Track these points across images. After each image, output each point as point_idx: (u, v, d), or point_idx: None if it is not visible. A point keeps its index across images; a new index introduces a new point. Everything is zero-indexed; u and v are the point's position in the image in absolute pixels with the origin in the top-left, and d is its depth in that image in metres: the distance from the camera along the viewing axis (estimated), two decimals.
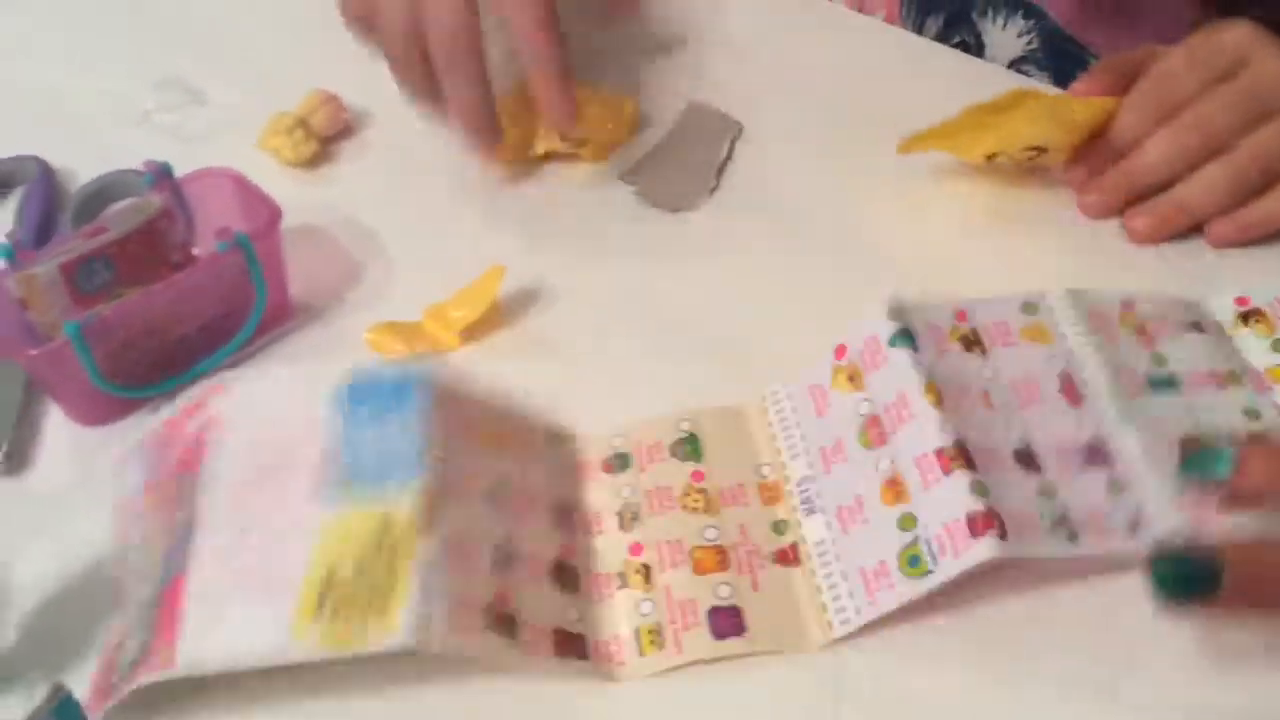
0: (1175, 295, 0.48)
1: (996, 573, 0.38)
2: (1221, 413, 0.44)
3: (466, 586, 0.40)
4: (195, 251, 0.51)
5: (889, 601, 0.39)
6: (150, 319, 0.47)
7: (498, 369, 0.49)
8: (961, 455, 0.40)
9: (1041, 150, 0.52)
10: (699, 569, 0.42)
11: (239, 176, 0.51)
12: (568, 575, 0.43)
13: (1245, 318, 0.48)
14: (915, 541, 0.39)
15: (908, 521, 0.40)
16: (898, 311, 0.44)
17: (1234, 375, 0.45)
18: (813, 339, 0.47)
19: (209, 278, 0.48)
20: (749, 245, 0.54)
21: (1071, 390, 0.43)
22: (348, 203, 0.58)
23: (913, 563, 0.39)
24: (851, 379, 0.44)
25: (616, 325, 0.51)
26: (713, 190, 0.57)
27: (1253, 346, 0.47)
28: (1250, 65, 0.50)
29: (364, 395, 0.44)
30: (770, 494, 0.44)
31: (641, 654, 0.41)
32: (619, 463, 0.46)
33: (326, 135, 0.60)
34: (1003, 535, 0.38)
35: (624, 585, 0.42)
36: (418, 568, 0.39)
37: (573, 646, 0.41)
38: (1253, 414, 0.44)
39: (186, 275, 0.48)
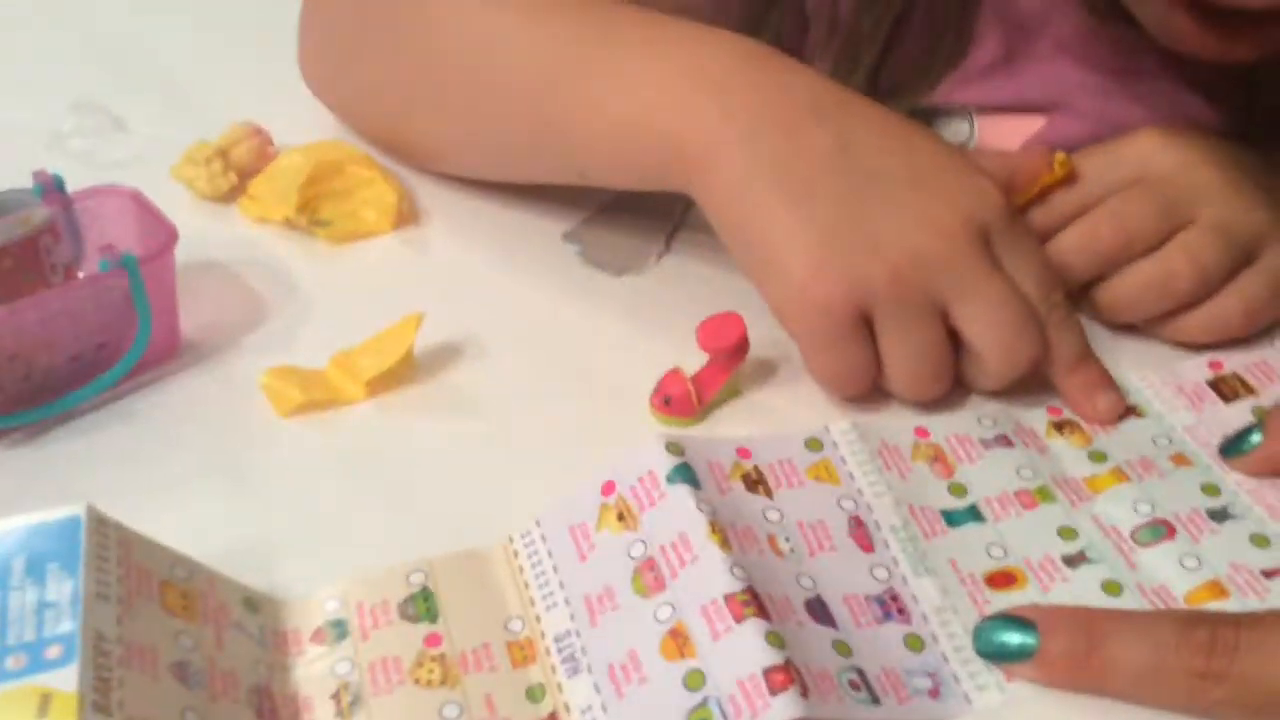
0: (986, 408, 0.46)
1: None
2: (1034, 537, 0.42)
3: None
4: (81, 275, 0.48)
5: None
6: (15, 340, 0.44)
7: (407, 425, 0.47)
8: (754, 602, 0.37)
9: None
10: None
11: (138, 195, 0.49)
12: None
13: (1059, 427, 0.46)
14: (705, 703, 0.35)
15: (695, 680, 0.36)
16: (676, 448, 0.42)
17: (1045, 492, 0.43)
18: None
19: (86, 300, 0.46)
20: (692, 307, 0.51)
21: (862, 535, 0.41)
22: (261, 242, 0.56)
23: None
24: (621, 518, 0.41)
25: (534, 390, 0.49)
26: (661, 255, 0.55)
27: (1068, 456, 0.45)
28: (1157, 172, 0.48)
29: (10, 546, 0.36)
30: (522, 654, 0.39)
31: None
32: (334, 632, 0.39)
33: (247, 170, 0.57)
34: (805, 692, 0.34)
35: None
36: None
37: None
38: (1068, 533, 0.42)
39: (59, 293, 0.46)
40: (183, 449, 0.47)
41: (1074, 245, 0.48)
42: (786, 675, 0.35)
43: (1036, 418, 0.47)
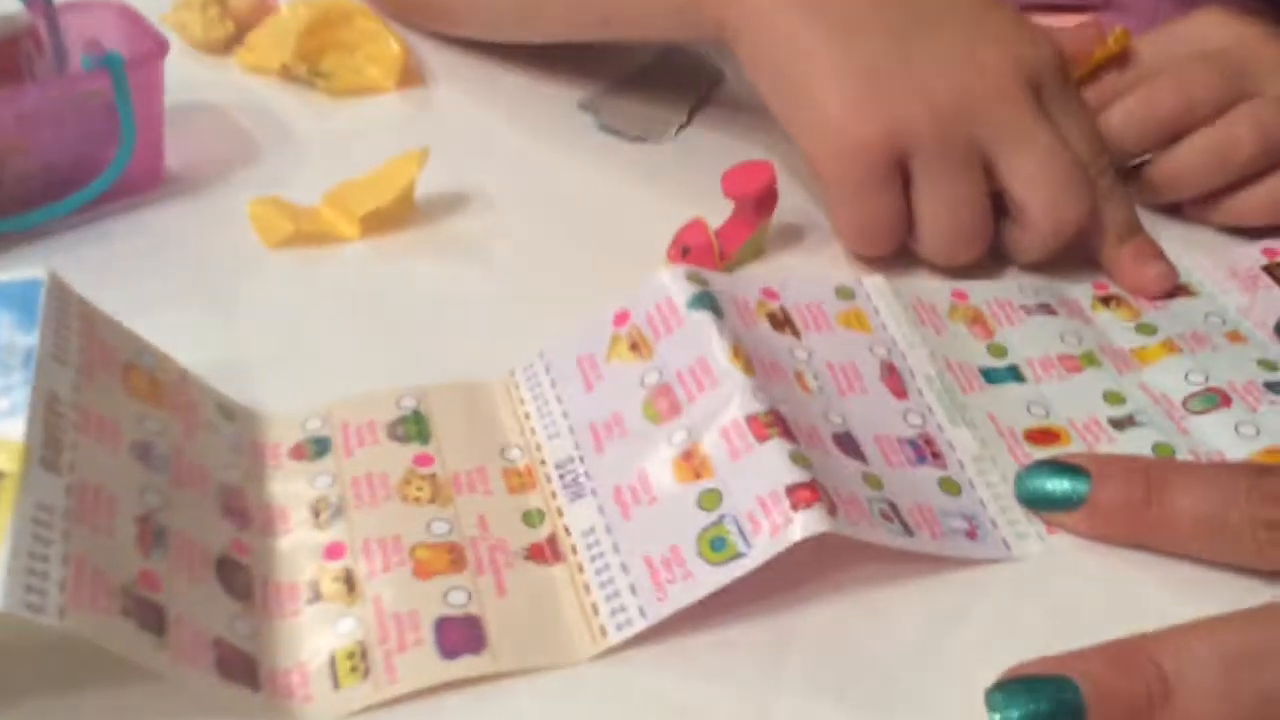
0: (1027, 278, 0.44)
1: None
2: (1078, 399, 0.39)
3: (98, 553, 0.29)
4: None
5: (686, 595, 0.32)
6: None
7: (404, 267, 0.45)
8: (778, 423, 0.34)
9: None
10: (422, 572, 0.33)
11: (126, 8, 0.46)
12: (238, 577, 0.33)
13: (1105, 301, 0.43)
14: (720, 521, 0.33)
15: (710, 499, 0.33)
16: (699, 277, 0.39)
17: (1090, 357, 0.40)
18: None
19: (65, 102, 0.42)
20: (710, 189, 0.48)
21: (895, 382, 0.38)
22: (257, 91, 0.53)
23: (716, 546, 0.32)
24: (635, 348, 0.38)
25: (541, 243, 0.47)
26: (681, 127, 0.52)
27: (1115, 329, 0.42)
28: (1220, 47, 0.46)
29: None
30: (519, 481, 0.36)
31: (337, 687, 0.31)
32: (314, 448, 0.37)
33: (246, 21, 0.55)
34: (832, 510, 0.32)
35: (316, 599, 0.33)
36: (29, 509, 0.28)
37: (241, 669, 0.31)
38: (1115, 398, 0.39)
39: (37, 90, 0.42)
40: (161, 273, 0.44)
41: (1131, 112, 0.46)
42: (813, 492, 0.32)
43: (1081, 292, 0.44)
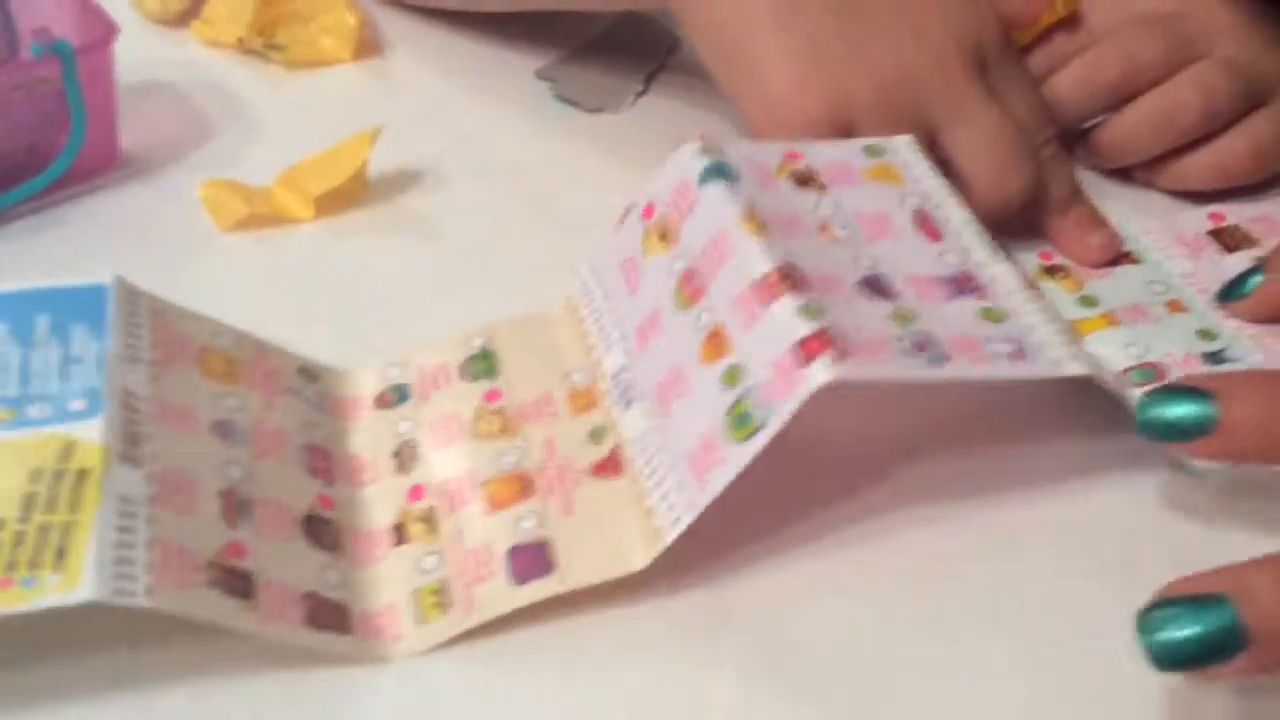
0: None
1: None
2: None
3: (182, 533, 0.32)
4: None
5: (719, 480, 0.33)
6: None
7: (358, 246, 0.46)
8: (786, 280, 0.34)
9: None
10: (495, 504, 0.36)
11: None
12: (325, 531, 0.35)
13: (1051, 271, 0.44)
14: (743, 396, 0.33)
15: (732, 376, 0.34)
16: (711, 149, 0.39)
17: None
18: None
19: (16, 90, 0.43)
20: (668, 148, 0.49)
21: (930, 227, 0.39)
22: (213, 66, 0.53)
23: (741, 422, 0.33)
24: (663, 237, 0.39)
25: (497, 217, 0.47)
26: (639, 95, 0.53)
27: (1058, 299, 0.43)
28: (1170, 9, 0.46)
29: (34, 305, 0.36)
30: (584, 401, 0.38)
31: (422, 621, 0.33)
32: (396, 395, 0.39)
33: None
34: (841, 358, 0.32)
35: (402, 540, 0.35)
36: (112, 503, 0.31)
37: (331, 617, 0.33)
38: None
39: None
40: (116, 259, 0.44)
41: (1077, 77, 0.47)
42: (821, 341, 0.32)
43: (1027, 261, 0.45)
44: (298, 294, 0.44)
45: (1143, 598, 0.30)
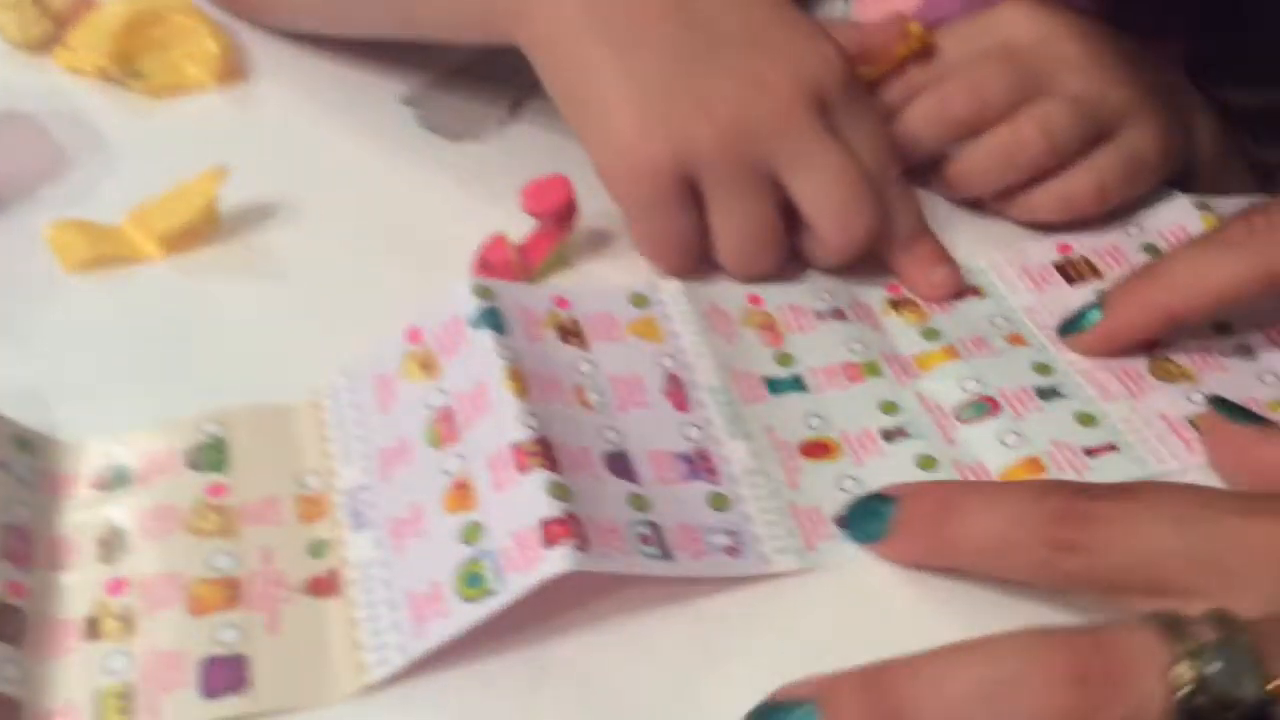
0: (824, 281, 0.46)
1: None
2: (855, 410, 0.41)
3: None
4: None
5: (440, 633, 0.33)
6: None
7: (206, 287, 0.46)
8: (542, 453, 0.36)
9: None
10: (197, 609, 0.35)
11: None
12: (11, 620, 0.34)
13: (896, 305, 0.45)
14: (478, 557, 0.34)
15: (472, 533, 0.35)
16: (484, 291, 0.40)
17: (872, 367, 0.43)
18: None
19: None
20: (530, 177, 0.49)
21: (678, 395, 0.40)
22: (74, 94, 0.53)
23: (472, 582, 0.34)
24: (425, 367, 0.40)
25: (350, 253, 0.48)
26: (504, 122, 0.54)
27: (902, 334, 0.44)
28: (1019, 43, 0.47)
29: None
30: (312, 509, 0.38)
31: None
32: (114, 476, 0.38)
33: (65, 18, 0.55)
34: (583, 546, 0.33)
35: (94, 635, 0.34)
36: None
37: (3, 715, 0.32)
38: (890, 407, 0.41)
39: None
40: None
41: (925, 113, 0.48)
42: (564, 527, 0.34)
43: (874, 295, 0.46)
44: (144, 337, 0.44)
45: None
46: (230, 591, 0.35)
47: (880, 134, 0.45)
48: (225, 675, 0.33)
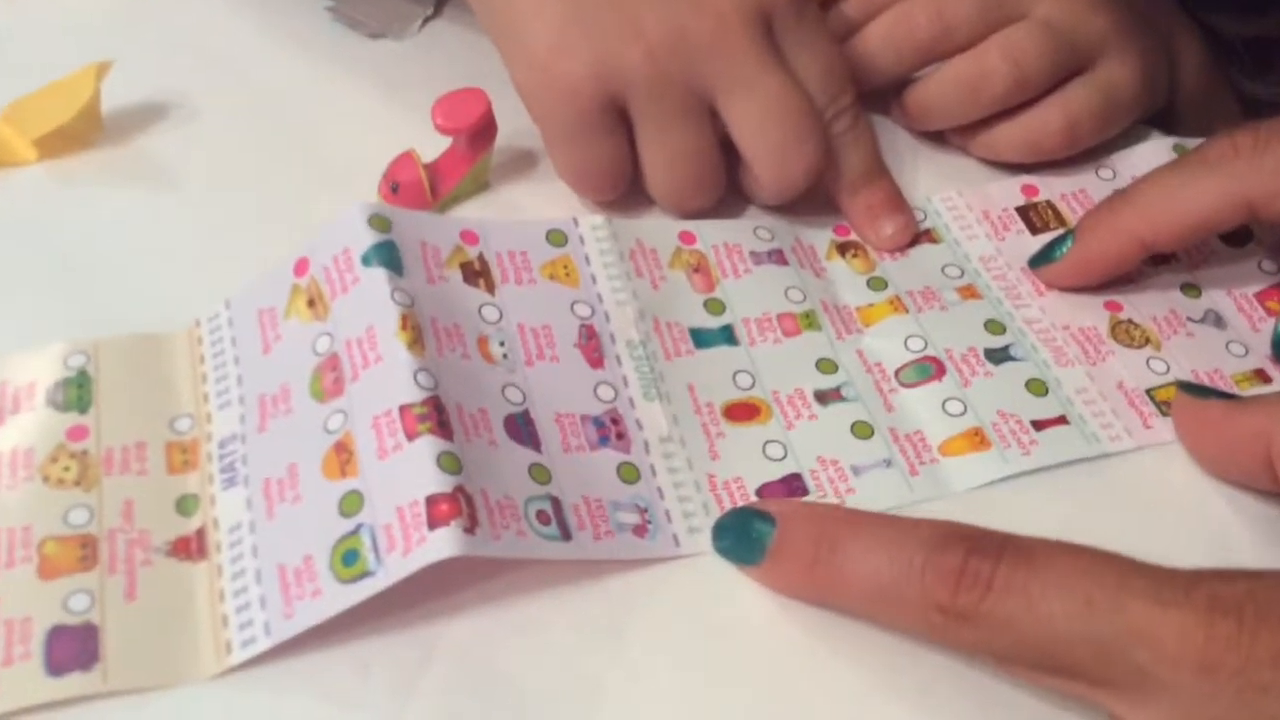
0: (765, 219, 0.42)
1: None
2: (789, 367, 0.38)
3: None
4: None
5: (311, 614, 0.31)
6: None
7: (85, 194, 0.42)
8: (434, 416, 0.32)
9: None
10: (47, 571, 0.32)
11: None
12: None
13: (843, 249, 0.42)
14: (357, 530, 0.31)
15: (351, 503, 0.32)
16: (380, 222, 0.36)
17: (810, 318, 0.39)
18: None
19: None
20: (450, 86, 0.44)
21: (593, 348, 0.37)
22: None
23: (348, 559, 0.31)
24: (312, 304, 0.36)
25: (247, 161, 0.44)
26: (427, 19, 0.49)
27: (846, 281, 0.41)
28: None
29: None
30: (183, 458, 0.34)
31: None
32: None
33: None
34: (470, 527, 0.30)
35: None
36: None
37: None
38: (827, 365, 0.38)
39: None
40: None
41: (883, 34, 0.44)
42: (452, 505, 0.31)
43: (819, 236, 0.43)
44: (14, 249, 0.40)
45: None
46: (84, 551, 0.32)
47: (831, 59, 0.41)
48: (72, 648, 0.31)
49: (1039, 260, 0.42)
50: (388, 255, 0.36)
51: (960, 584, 0.29)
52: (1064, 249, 0.41)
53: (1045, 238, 0.43)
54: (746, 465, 0.36)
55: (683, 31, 0.38)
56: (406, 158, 0.42)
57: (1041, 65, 0.43)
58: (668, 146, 0.40)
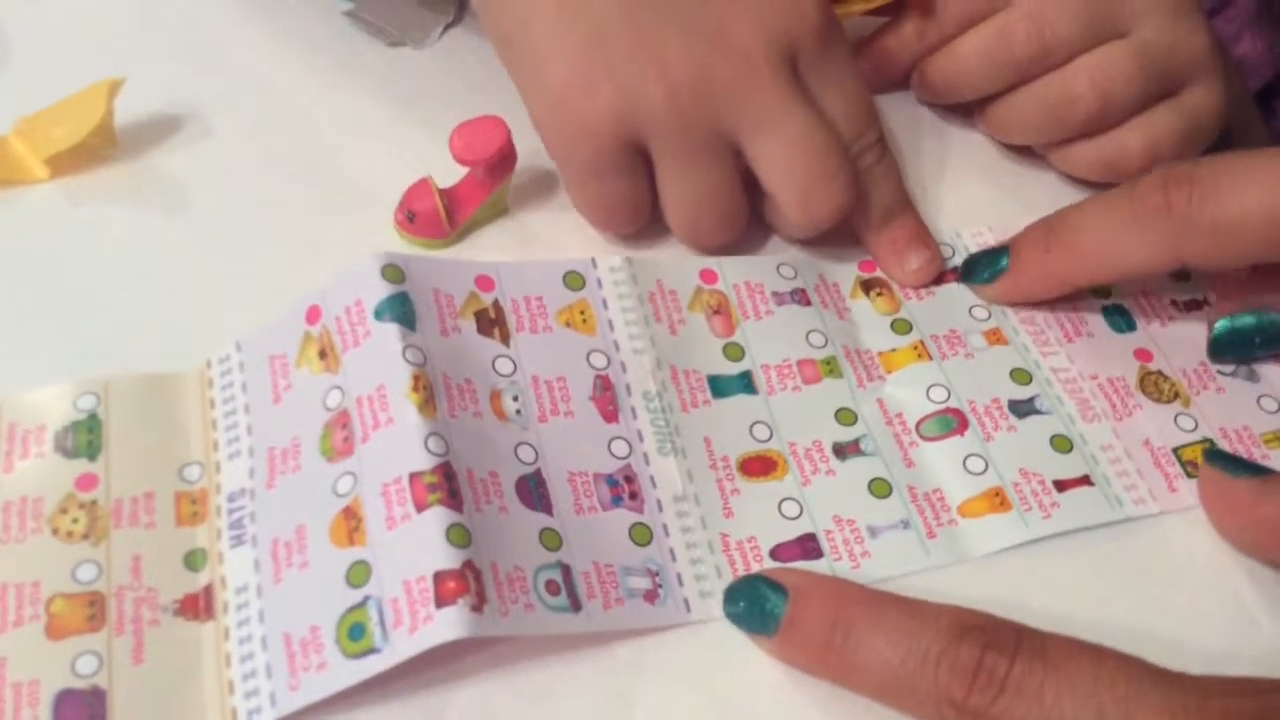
0: (789, 253, 0.42)
1: None
2: (808, 418, 0.38)
3: None
4: None
5: (316, 689, 0.31)
6: None
7: (97, 216, 0.42)
8: (444, 485, 0.32)
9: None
10: (55, 630, 0.32)
11: None
12: None
13: (868, 287, 0.42)
14: (364, 603, 0.32)
15: (359, 574, 0.32)
16: (396, 271, 0.36)
17: (832, 364, 0.39)
18: None
19: None
20: (470, 100, 0.44)
21: (608, 401, 0.37)
22: None
23: (355, 634, 0.31)
24: (323, 355, 0.36)
25: (263, 180, 0.44)
26: (447, 26, 0.49)
27: (870, 323, 0.41)
28: None
29: None
30: (192, 509, 0.35)
31: None
32: None
33: None
34: (478, 605, 0.31)
35: None
36: None
37: None
38: (847, 416, 0.38)
39: None
40: None
41: (979, 49, 0.44)
42: (460, 582, 0.31)
43: (845, 272, 0.43)
44: (21, 275, 0.40)
45: None
46: (92, 610, 0.33)
47: (858, 93, 0.41)
48: (80, 713, 0.31)
49: (970, 275, 0.42)
50: (400, 309, 0.36)
51: (975, 682, 0.29)
52: (997, 269, 0.41)
53: None
54: (761, 524, 0.36)
55: (707, 72, 0.38)
56: (423, 186, 0.42)
57: (1129, 93, 0.43)
58: (689, 186, 0.39)
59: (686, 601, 0.34)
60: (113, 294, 0.40)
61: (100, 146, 0.43)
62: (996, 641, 0.30)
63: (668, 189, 0.40)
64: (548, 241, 0.43)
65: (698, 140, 0.38)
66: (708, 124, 0.38)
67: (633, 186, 0.40)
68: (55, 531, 0.34)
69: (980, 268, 0.42)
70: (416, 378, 0.34)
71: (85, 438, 0.36)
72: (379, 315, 0.36)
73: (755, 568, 0.35)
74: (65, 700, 0.31)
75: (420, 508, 0.32)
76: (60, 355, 0.38)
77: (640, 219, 0.41)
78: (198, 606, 0.33)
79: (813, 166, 0.39)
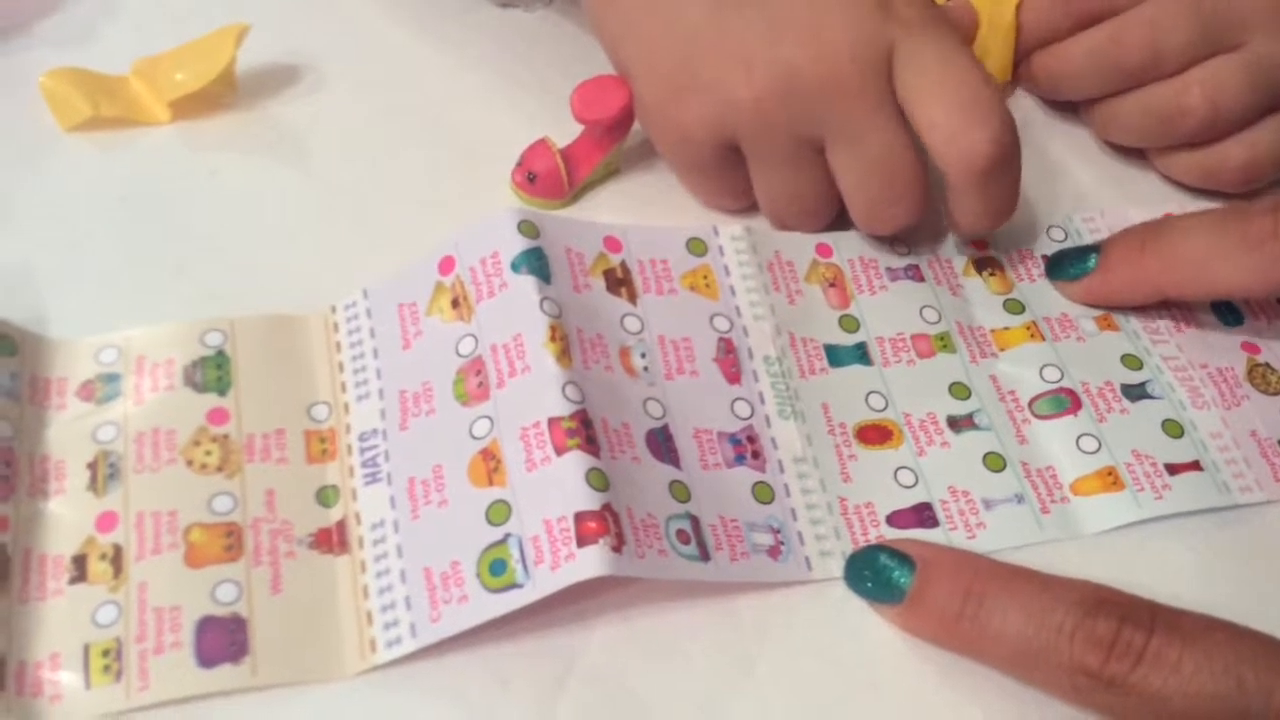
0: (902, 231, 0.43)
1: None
2: (922, 390, 0.40)
3: None
4: None
5: (458, 620, 0.33)
6: None
7: (217, 160, 0.44)
8: (582, 431, 0.34)
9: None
10: (194, 559, 0.34)
11: None
12: None
13: (980, 265, 0.43)
14: (505, 540, 0.33)
15: (499, 512, 0.34)
16: (531, 227, 0.38)
17: (945, 340, 0.41)
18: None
19: None
20: (576, 66, 0.46)
21: (730, 363, 0.39)
22: None
23: (496, 569, 0.33)
24: (456, 304, 0.38)
25: (373, 134, 0.45)
26: None
27: (982, 301, 0.43)
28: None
29: None
30: (322, 447, 0.36)
31: (89, 686, 0.31)
32: (105, 387, 0.36)
33: None
34: (617, 546, 0.32)
35: (80, 578, 0.33)
36: None
37: None
38: (960, 390, 0.40)
39: None
40: None
41: (1090, 51, 0.45)
42: (601, 524, 0.33)
43: (958, 249, 0.44)
44: (145, 215, 0.42)
45: None
46: (230, 540, 0.34)
47: (962, 86, 0.42)
48: (222, 640, 0.33)
49: (1056, 270, 0.43)
50: (537, 262, 0.37)
51: (1112, 652, 0.31)
52: (1086, 267, 0.42)
53: None
54: (878, 491, 0.38)
55: (792, 78, 0.39)
56: (542, 146, 0.43)
57: (1240, 108, 0.44)
58: (775, 186, 0.41)
59: (808, 560, 0.36)
60: (232, 239, 0.41)
61: (220, 93, 0.45)
62: (1132, 615, 0.31)
63: (757, 185, 0.42)
64: (663, 204, 0.44)
65: (781, 143, 0.40)
66: (792, 129, 0.40)
67: (735, 180, 0.42)
68: (190, 463, 0.36)
69: (1067, 264, 0.43)
70: (553, 328, 0.36)
71: (214, 374, 0.37)
72: (515, 268, 0.37)
73: (873, 533, 0.37)
74: (207, 626, 0.33)
75: (560, 451, 0.34)
76: (179, 297, 0.39)
77: (745, 200, 0.43)
78: (331, 540, 0.35)
79: (883, 189, 0.40)
